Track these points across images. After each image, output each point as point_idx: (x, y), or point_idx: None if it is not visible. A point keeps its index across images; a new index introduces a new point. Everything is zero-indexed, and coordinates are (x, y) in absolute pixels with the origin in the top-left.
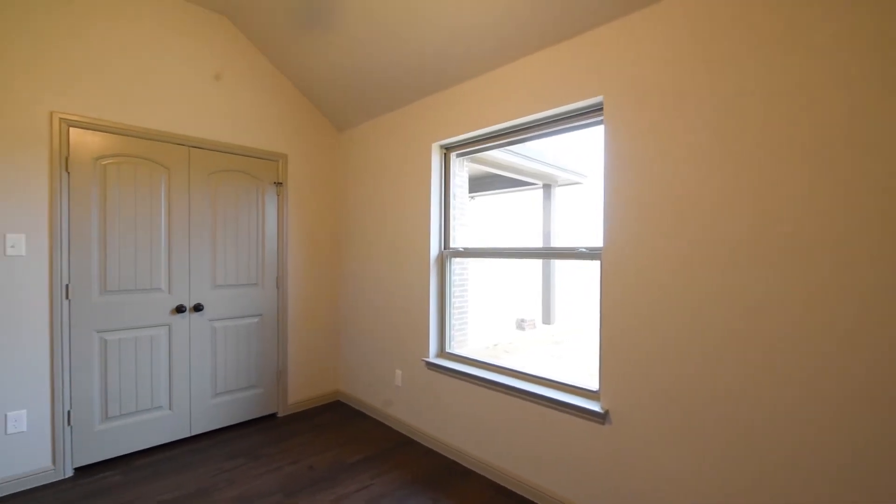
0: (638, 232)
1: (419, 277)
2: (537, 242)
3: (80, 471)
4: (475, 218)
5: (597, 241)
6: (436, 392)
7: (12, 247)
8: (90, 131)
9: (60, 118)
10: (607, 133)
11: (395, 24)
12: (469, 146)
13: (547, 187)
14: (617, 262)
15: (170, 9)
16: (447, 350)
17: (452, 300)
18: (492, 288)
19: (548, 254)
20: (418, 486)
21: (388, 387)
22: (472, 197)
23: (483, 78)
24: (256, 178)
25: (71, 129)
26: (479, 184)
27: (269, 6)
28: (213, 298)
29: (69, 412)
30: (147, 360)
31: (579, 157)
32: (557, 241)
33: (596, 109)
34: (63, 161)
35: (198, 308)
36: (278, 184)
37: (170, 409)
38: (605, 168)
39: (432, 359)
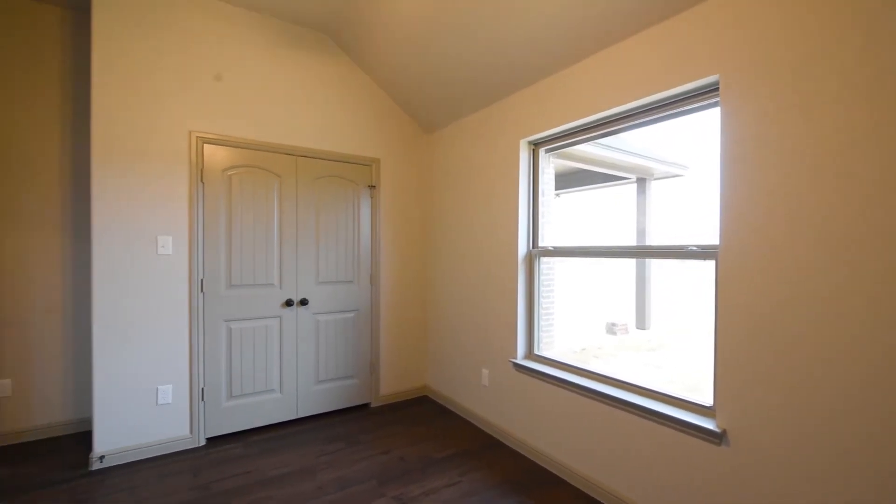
0: (762, 227)
1: (507, 277)
2: (630, 241)
3: (211, 441)
4: (562, 216)
5: (707, 238)
6: (524, 394)
7: (163, 247)
8: (219, 146)
9: (197, 136)
10: (724, 116)
11: (482, 18)
12: (558, 140)
13: (641, 181)
14: (736, 261)
15: (280, 32)
16: (535, 352)
17: (540, 301)
18: (578, 289)
19: (648, 253)
20: (507, 488)
21: (474, 386)
22: (557, 194)
23: (574, 68)
24: (353, 182)
25: (205, 145)
26: (567, 180)
27: (366, 23)
28: (316, 293)
29: (203, 389)
30: (263, 348)
31: (680, 146)
32: (653, 239)
33: (708, 91)
34: (199, 173)
35: (304, 302)
36: (372, 186)
37: (280, 392)
38: (722, 155)
39: (520, 360)
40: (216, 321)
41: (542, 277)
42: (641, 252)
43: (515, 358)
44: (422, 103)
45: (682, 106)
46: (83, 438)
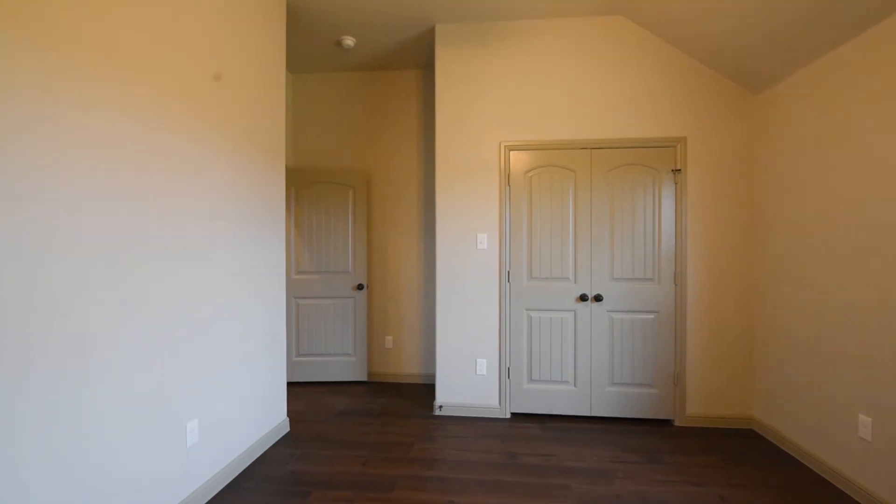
0: None
1: None
2: None
3: (514, 416)
4: None
5: None
6: None
7: (480, 243)
8: (521, 151)
9: (504, 145)
10: None
11: None
12: None
13: None
14: None
15: (572, 29)
16: None
17: None
18: None
19: None
20: None
21: (844, 434)
22: None
23: None
24: (652, 169)
25: (511, 152)
26: None
27: None
28: (611, 290)
29: (509, 368)
30: (558, 339)
31: None
32: None
33: None
34: (506, 177)
35: (598, 298)
36: (675, 171)
37: (574, 385)
38: None
39: None
40: (519, 309)
41: None
42: None
43: None
44: (742, 53)
45: None
46: (429, 390)
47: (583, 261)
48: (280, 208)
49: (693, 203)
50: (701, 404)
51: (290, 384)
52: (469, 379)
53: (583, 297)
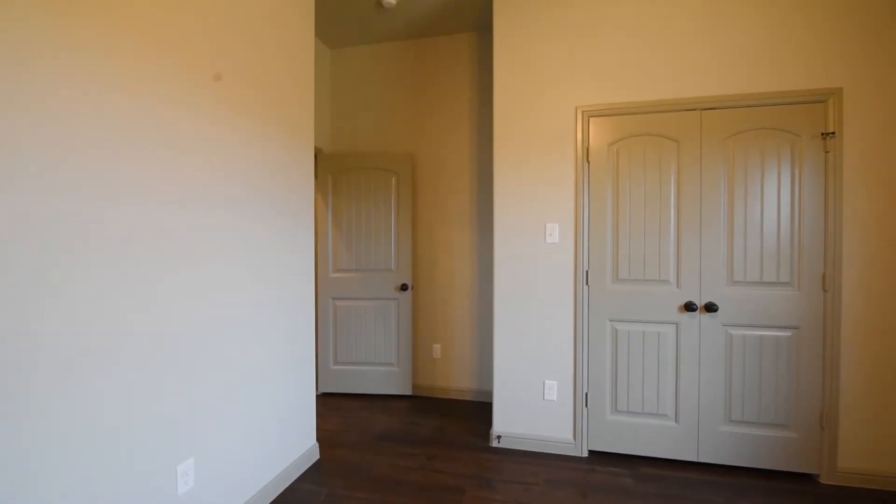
0: None
1: None
2: None
3: (593, 455)
4: None
5: None
6: None
7: (550, 235)
8: (604, 118)
9: (582, 111)
10: None
11: None
12: None
13: None
14: None
15: None
16: None
17: None
18: None
19: None
20: None
21: None
22: None
23: None
24: (789, 133)
25: (590, 119)
26: None
27: None
28: (727, 298)
29: (586, 394)
30: (653, 359)
31: None
32: None
33: None
34: (584, 152)
35: (710, 308)
36: (826, 135)
37: (675, 420)
38: None
39: None
40: (600, 319)
41: None
42: None
43: None
44: None
45: None
46: (483, 410)
47: (689, 258)
48: (307, 196)
49: (852, 178)
50: (859, 456)
51: (326, 395)
52: (535, 404)
53: (689, 307)
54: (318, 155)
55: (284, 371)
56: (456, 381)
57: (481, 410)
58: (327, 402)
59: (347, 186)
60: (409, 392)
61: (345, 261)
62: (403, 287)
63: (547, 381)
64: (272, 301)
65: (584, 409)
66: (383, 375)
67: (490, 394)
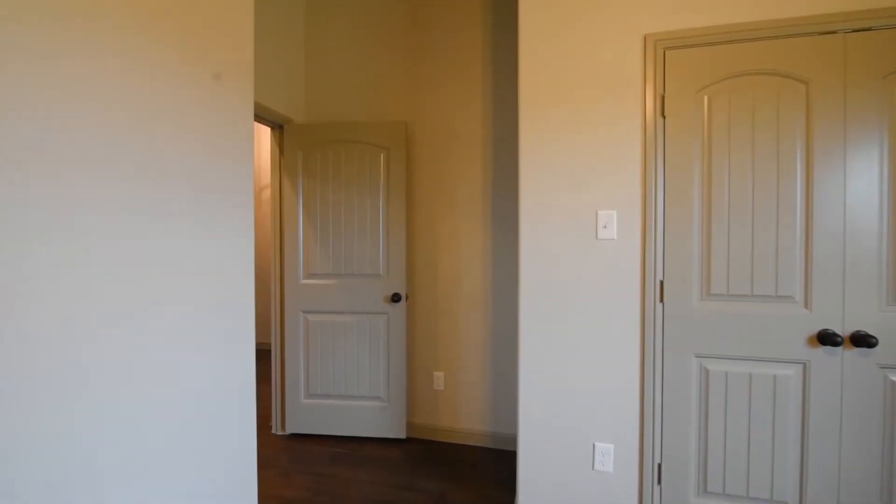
0: None
1: None
2: None
3: None
4: None
5: None
6: None
7: (604, 227)
8: (688, 49)
9: (655, 41)
10: None
11: None
12: None
13: None
14: None
15: None
16: None
17: None
18: None
19: None
20: None
21: None
22: None
23: None
24: None
25: (666, 52)
26: None
27: None
28: (888, 325)
29: (659, 465)
30: (766, 416)
31: None
32: None
33: None
34: (659, 102)
35: (858, 341)
36: None
37: None
38: None
39: None
40: (683, 354)
41: None
42: None
43: None
44: None
45: None
46: (502, 462)
47: (825, 264)
48: (244, 167)
49: None
50: None
51: (294, 437)
52: (580, 476)
53: (825, 338)
54: (285, 126)
55: (200, 422)
56: (464, 421)
57: (498, 463)
58: (293, 447)
59: (323, 165)
60: (402, 435)
61: (319, 263)
62: (395, 297)
63: (598, 445)
64: (169, 322)
65: (657, 488)
66: (369, 413)
67: (511, 439)
